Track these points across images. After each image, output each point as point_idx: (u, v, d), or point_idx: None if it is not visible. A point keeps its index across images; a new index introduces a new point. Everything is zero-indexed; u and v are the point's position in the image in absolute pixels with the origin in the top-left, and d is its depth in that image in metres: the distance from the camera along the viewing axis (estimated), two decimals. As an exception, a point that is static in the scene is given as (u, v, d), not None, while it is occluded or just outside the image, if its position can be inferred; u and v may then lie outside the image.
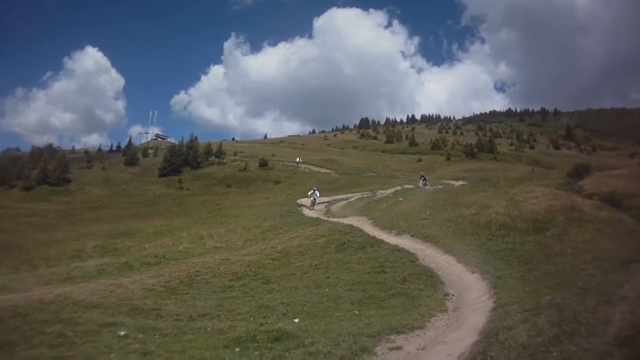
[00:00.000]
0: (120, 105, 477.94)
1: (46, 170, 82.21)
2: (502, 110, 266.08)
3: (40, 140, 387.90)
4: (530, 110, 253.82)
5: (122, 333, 10.92)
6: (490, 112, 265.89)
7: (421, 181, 51.60)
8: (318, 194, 41.19)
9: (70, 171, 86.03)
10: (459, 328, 9.85)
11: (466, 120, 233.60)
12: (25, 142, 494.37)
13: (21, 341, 9.92)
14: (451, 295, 13.47)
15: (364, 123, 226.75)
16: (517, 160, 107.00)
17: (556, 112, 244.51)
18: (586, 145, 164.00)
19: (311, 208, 39.20)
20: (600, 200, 22.44)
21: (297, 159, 77.57)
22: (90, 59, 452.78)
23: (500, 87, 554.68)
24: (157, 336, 10.88)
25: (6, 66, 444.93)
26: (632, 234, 17.81)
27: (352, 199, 44.10)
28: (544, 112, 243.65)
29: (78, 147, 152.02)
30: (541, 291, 10.87)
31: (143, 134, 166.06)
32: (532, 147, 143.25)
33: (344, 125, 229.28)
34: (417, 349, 9.25)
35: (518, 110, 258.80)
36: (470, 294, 11.75)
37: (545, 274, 13.42)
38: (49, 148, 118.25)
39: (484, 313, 10.50)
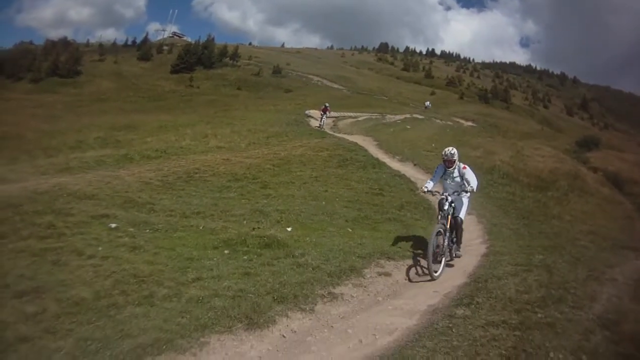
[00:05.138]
0: (141, 1, 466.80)
1: (57, 62, 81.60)
2: (522, 64, 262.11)
3: (56, 34, 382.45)
4: (550, 71, 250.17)
5: (113, 225, 10.86)
6: (510, 62, 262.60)
7: (320, 114, 40.54)
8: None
9: (82, 64, 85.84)
10: (450, 266, 9.74)
11: (485, 66, 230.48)
12: (40, 36, 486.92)
13: (10, 233, 9.80)
14: (445, 232, 13.35)
15: (383, 47, 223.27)
16: (529, 115, 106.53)
17: (575, 80, 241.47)
18: (599, 120, 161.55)
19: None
20: (604, 176, 22.47)
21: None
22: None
23: (524, 43, 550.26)
24: (147, 231, 10.83)
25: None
26: (630, 220, 17.98)
27: (360, 118, 45.08)
28: (563, 77, 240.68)
29: (93, 40, 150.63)
30: (534, 249, 10.75)
31: (160, 30, 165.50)
32: (546, 107, 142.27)
33: (362, 46, 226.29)
34: (405, 279, 9.16)
35: (538, 68, 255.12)
36: (464, 235, 11.65)
37: (540, 233, 13.54)
38: (63, 41, 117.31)
39: (476, 257, 10.41)
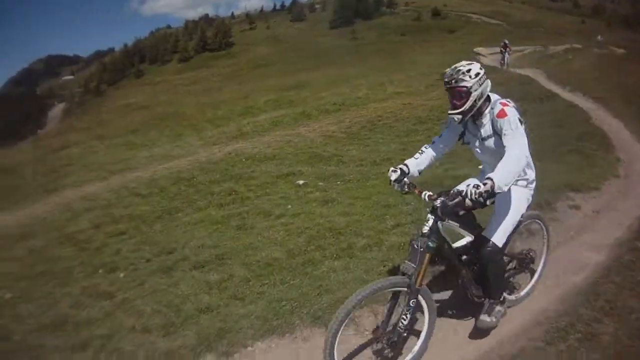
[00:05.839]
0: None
1: (205, 38, 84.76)
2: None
3: (194, 14, 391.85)
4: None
5: (301, 182, 10.61)
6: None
7: (502, 51, 36.64)
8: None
9: (232, 35, 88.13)
10: (628, 197, 8.87)
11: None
12: (174, 20, 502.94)
13: (185, 206, 9.83)
14: (622, 161, 12.05)
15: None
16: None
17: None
18: None
19: None
20: None
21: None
22: None
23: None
24: (339, 183, 10.51)
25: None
26: None
27: (525, 52, 46.14)
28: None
29: (237, 12, 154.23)
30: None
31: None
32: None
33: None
34: (593, 211, 8.36)
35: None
36: (639, 164, 10.60)
37: None
38: (205, 18, 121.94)
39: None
